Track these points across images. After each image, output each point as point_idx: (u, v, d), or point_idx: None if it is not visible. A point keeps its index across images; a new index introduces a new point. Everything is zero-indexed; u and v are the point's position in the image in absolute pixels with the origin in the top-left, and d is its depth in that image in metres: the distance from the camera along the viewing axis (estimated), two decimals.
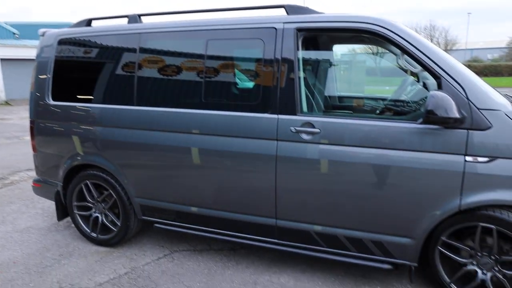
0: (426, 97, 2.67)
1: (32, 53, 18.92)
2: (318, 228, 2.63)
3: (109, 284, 2.86)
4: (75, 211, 3.50)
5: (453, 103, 2.13)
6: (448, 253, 2.44)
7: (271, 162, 2.62)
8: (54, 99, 3.39)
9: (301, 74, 2.63)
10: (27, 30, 22.44)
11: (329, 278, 2.88)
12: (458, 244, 2.40)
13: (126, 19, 3.23)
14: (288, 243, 2.77)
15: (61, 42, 3.38)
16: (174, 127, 2.90)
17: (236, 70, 2.80)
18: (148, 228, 3.77)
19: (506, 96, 2.63)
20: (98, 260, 3.21)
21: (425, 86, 2.96)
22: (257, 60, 2.69)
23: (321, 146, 2.50)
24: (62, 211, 3.59)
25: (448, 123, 2.16)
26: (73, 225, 3.81)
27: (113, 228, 3.36)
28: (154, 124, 2.97)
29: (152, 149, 2.99)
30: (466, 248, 2.40)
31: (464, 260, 2.42)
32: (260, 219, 2.78)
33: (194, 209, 2.98)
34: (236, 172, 2.75)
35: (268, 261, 3.14)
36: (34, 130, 3.52)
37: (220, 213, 2.90)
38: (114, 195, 3.28)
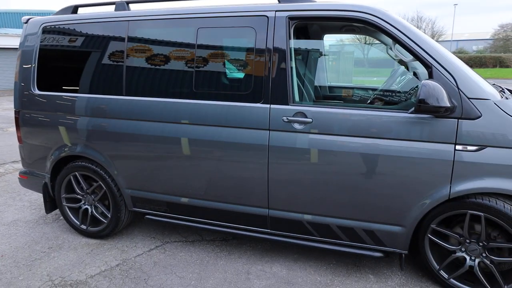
0: (416, 87, 2.70)
1: (13, 42, 18.46)
2: (310, 217, 2.65)
3: (101, 276, 2.84)
4: (64, 203, 3.44)
5: (444, 92, 2.14)
6: (437, 240, 2.48)
7: (263, 152, 2.62)
8: (39, 89, 3.31)
9: (293, 64, 2.62)
10: (6, 19, 21.77)
11: (322, 266, 2.91)
12: (448, 232, 2.45)
13: (113, 6, 3.15)
14: (281, 233, 2.79)
15: (46, 30, 3.29)
16: (164, 117, 2.87)
17: (227, 59, 2.76)
18: (139, 219, 3.75)
19: (494, 85, 2.66)
20: (89, 252, 3.18)
21: (415, 75, 2.98)
22: (249, 49, 2.66)
23: (313, 136, 2.50)
24: (50, 204, 3.53)
25: (439, 112, 2.18)
26: (62, 217, 3.76)
27: (103, 220, 3.32)
28: (143, 114, 2.92)
29: (142, 140, 2.95)
30: (455, 235, 2.45)
31: (453, 247, 2.47)
32: (253, 209, 2.78)
33: (185, 200, 2.97)
34: (228, 162, 2.74)
35: (261, 251, 3.16)
36: (20, 121, 3.43)
37: (211, 203, 2.90)
38: (104, 186, 3.23)
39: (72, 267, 2.96)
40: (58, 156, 3.29)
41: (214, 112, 2.73)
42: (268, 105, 2.59)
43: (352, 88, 3.79)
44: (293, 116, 2.53)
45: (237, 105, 2.67)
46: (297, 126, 2.53)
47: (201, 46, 2.78)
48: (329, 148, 2.47)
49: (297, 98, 2.62)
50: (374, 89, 3.29)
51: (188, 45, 2.81)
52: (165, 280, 2.76)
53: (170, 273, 2.86)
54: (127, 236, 3.45)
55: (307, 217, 2.65)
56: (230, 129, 2.70)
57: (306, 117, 2.51)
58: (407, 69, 3.15)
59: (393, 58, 3.26)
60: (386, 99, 2.83)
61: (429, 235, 2.50)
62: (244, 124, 2.65)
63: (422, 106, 2.16)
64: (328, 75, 3.85)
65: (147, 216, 3.20)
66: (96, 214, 3.35)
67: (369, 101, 2.97)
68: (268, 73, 2.59)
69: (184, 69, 2.82)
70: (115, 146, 3.06)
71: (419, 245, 2.57)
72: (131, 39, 2.97)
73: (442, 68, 2.26)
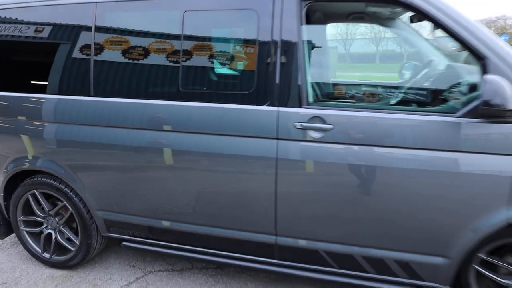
0: (458, 84, 2.21)
1: None
2: (329, 246, 2.13)
3: None
4: (22, 227, 2.82)
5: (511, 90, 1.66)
6: (487, 272, 2.02)
7: (270, 167, 2.08)
8: None
9: (306, 55, 2.08)
10: None
11: None
12: (500, 262, 1.98)
13: None
14: (291, 264, 2.26)
15: None
16: (142, 123, 2.29)
17: (221, 51, 2.21)
18: (115, 243, 3.16)
19: None
20: None
21: (448, 71, 2.49)
22: (249, 38, 2.12)
23: (336, 147, 1.98)
24: (5, 227, 2.90)
25: (504, 116, 1.70)
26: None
27: (71, 248, 2.73)
28: (115, 119, 2.34)
29: (114, 151, 2.36)
30: (508, 265, 1.98)
31: (505, 281, 2.01)
32: (256, 236, 2.25)
33: (168, 223, 2.40)
34: (223, 180, 2.19)
35: (265, 281, 2.63)
36: None
37: (203, 229, 2.34)
38: (70, 207, 2.63)
39: None
40: (14, 170, 2.67)
41: (205, 116, 2.17)
42: (275, 108, 2.06)
43: (375, 85, 3.27)
44: (308, 122, 2.00)
45: (235, 108, 2.12)
46: (313, 134, 2.00)
47: (189, 35, 2.21)
48: (356, 162, 1.96)
49: (312, 98, 2.09)
50: (399, 87, 2.80)
51: (171, 33, 2.24)
52: None
53: None
54: (101, 264, 2.86)
55: (325, 245, 2.14)
56: (226, 138, 2.15)
57: (325, 123, 1.98)
58: (434, 62, 2.66)
59: (405, 51, 2.78)
60: (420, 99, 2.34)
61: (475, 266, 2.03)
62: (245, 132, 2.11)
63: (485, 109, 1.66)
64: (346, 70, 3.29)
65: (124, 243, 2.62)
66: (61, 241, 2.75)
67: (397, 102, 2.46)
68: (275, 68, 2.05)
69: (167, 63, 2.25)
70: (81, 158, 2.45)
71: (461, 277, 2.10)
72: (100, 27, 2.37)
73: (501, 61, 1.77)
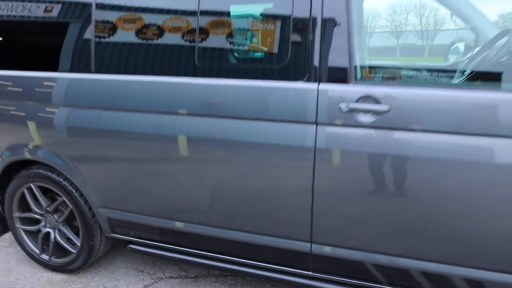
0: None
1: None
2: (379, 258, 1.72)
3: None
4: (18, 225, 2.50)
5: None
6: None
7: (307, 159, 1.67)
8: None
9: (354, 19, 1.65)
10: None
11: None
12: None
13: None
14: (329, 277, 1.86)
15: None
16: (151, 106, 1.91)
17: (247, 14, 1.80)
18: (122, 244, 2.81)
19: None
20: None
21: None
22: None
23: (392, 134, 1.56)
24: (2, 223, 2.59)
25: None
26: None
27: (71, 249, 2.39)
28: (120, 100, 1.97)
29: (119, 139, 2.00)
30: None
31: None
32: (287, 242, 1.85)
33: (181, 225, 2.03)
34: (248, 173, 1.80)
35: None
36: None
37: (222, 232, 1.96)
38: (69, 204, 2.29)
39: None
40: (9, 159, 2.33)
41: (227, 96, 1.77)
42: (315, 84, 1.64)
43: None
44: (357, 102, 1.58)
45: (263, 85, 1.72)
46: (363, 118, 1.58)
47: None
48: (421, 154, 1.53)
49: (361, 73, 1.66)
50: (466, 60, 2.31)
51: None
52: None
53: None
54: (106, 268, 2.52)
55: (374, 257, 1.73)
56: (252, 123, 1.75)
57: (379, 103, 1.56)
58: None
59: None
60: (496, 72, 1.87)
61: None
62: (275, 115, 1.71)
63: None
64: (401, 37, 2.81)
65: (130, 246, 2.27)
66: (61, 241, 2.41)
67: (465, 78, 2.00)
68: (314, 35, 1.64)
69: (181, 33, 1.86)
70: (81, 147, 2.10)
71: None
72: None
73: None
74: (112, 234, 2.27)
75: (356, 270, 1.78)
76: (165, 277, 2.41)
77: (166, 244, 2.16)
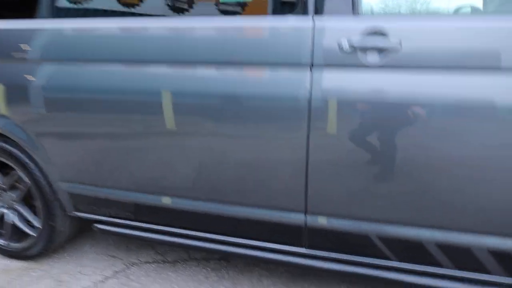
0: None
1: None
2: (386, 228, 1.45)
3: None
4: None
5: None
6: None
7: (299, 112, 1.40)
8: None
9: None
10: None
11: None
12: None
13: None
14: (326, 254, 1.59)
15: None
16: (119, 55, 1.62)
17: None
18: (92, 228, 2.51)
19: None
20: (4, 286, 1.95)
21: None
22: None
23: (403, 76, 1.29)
24: None
25: None
26: None
27: (30, 233, 2.08)
28: (79, 49, 1.67)
29: (80, 93, 1.70)
30: None
31: None
32: (277, 214, 1.58)
33: (170, 201, 1.73)
34: (232, 133, 1.52)
35: (285, 277, 1.97)
36: None
37: (205, 205, 1.67)
38: (26, 178, 1.98)
39: None
40: None
41: (207, 38, 1.48)
42: (309, 18, 1.36)
43: None
44: (362, 37, 1.31)
45: (247, 23, 1.44)
46: (369, 58, 1.31)
47: None
48: (441, 100, 1.26)
49: (366, 4, 1.39)
50: None
51: None
52: None
53: None
54: (72, 255, 2.21)
55: (380, 228, 1.46)
56: (235, 71, 1.47)
57: (388, 38, 1.29)
58: None
59: None
60: None
61: None
62: (262, 58, 1.42)
63: None
64: None
65: (96, 225, 1.96)
66: (18, 223, 2.10)
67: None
68: None
69: None
70: (35, 108, 1.79)
71: None
72: None
73: None
74: (75, 213, 1.97)
75: (360, 245, 1.51)
76: (140, 262, 2.11)
77: (142, 223, 1.86)
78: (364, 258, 1.54)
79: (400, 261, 1.50)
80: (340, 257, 1.58)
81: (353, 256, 1.55)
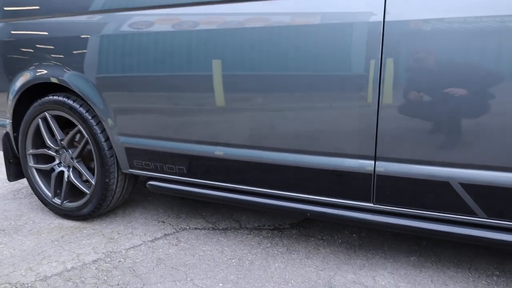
0: None
1: None
2: (472, 174, 1.26)
3: (60, 278, 1.58)
4: (31, 164, 2.25)
5: None
6: None
7: (369, 32, 1.29)
8: None
9: None
10: None
11: (477, 276, 1.51)
12: None
13: None
14: (397, 209, 1.42)
15: None
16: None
17: None
18: (142, 197, 2.49)
19: None
20: (57, 239, 1.95)
21: None
22: None
23: None
24: (15, 167, 2.35)
25: None
26: None
27: (85, 190, 2.09)
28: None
29: (140, 40, 1.71)
30: None
31: None
32: (340, 161, 1.44)
33: (222, 152, 1.66)
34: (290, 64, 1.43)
35: (346, 246, 1.80)
36: None
37: (257, 154, 1.58)
38: (84, 132, 2.01)
39: (20, 261, 1.73)
40: (29, 81, 2.08)
41: None
42: None
43: None
44: None
45: None
46: None
47: None
48: None
49: None
50: None
51: None
52: None
53: (184, 279, 1.56)
54: (123, 218, 2.19)
55: (465, 173, 1.27)
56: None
57: None
58: None
59: None
60: None
61: None
62: None
63: None
64: None
65: (150, 183, 1.93)
66: (75, 180, 2.12)
67: None
68: None
69: None
70: (96, 59, 1.82)
71: None
72: None
73: None
74: (131, 170, 1.95)
75: (440, 197, 1.33)
76: (189, 228, 2.03)
77: (195, 179, 1.79)
78: (445, 213, 1.34)
79: (488, 216, 1.29)
80: (410, 212, 1.39)
81: (427, 211, 1.36)
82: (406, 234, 1.86)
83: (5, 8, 2.14)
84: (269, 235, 1.94)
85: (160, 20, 1.68)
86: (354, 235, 1.90)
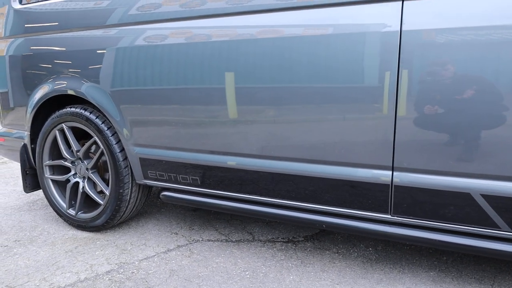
0: None
1: None
2: (494, 185, 1.22)
3: None
4: (47, 175, 2.27)
5: None
6: None
7: (387, 37, 1.28)
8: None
9: None
10: None
11: None
12: None
13: None
14: (415, 220, 1.38)
15: None
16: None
17: None
18: (155, 209, 2.49)
19: None
20: (71, 250, 1.95)
21: None
22: None
23: None
24: (31, 178, 2.38)
25: None
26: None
27: (99, 200, 2.10)
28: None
29: (158, 51, 1.74)
30: None
31: None
32: (356, 172, 1.42)
33: (234, 163, 1.66)
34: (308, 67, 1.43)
35: (362, 260, 1.75)
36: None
37: (281, 166, 1.57)
38: (100, 144, 2.03)
39: (35, 271, 1.73)
40: (47, 93, 2.13)
41: None
42: None
43: None
44: None
45: None
46: None
47: None
48: None
49: None
50: None
51: None
52: None
53: None
54: (136, 230, 2.18)
55: (486, 184, 1.24)
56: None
57: None
58: None
59: None
60: None
61: None
62: None
63: None
64: None
65: (164, 194, 1.93)
66: (89, 191, 2.13)
67: None
68: None
69: None
70: (115, 70, 1.86)
71: None
72: None
73: None
74: (145, 180, 1.95)
75: (458, 207, 1.29)
76: (202, 240, 2.02)
77: (209, 189, 1.79)
78: (466, 225, 1.30)
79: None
80: (429, 224, 1.35)
81: (446, 223, 1.33)
82: (425, 248, 1.81)
83: (26, 25, 2.21)
84: (283, 247, 1.91)
85: (173, 33, 1.71)
86: (370, 248, 1.85)
